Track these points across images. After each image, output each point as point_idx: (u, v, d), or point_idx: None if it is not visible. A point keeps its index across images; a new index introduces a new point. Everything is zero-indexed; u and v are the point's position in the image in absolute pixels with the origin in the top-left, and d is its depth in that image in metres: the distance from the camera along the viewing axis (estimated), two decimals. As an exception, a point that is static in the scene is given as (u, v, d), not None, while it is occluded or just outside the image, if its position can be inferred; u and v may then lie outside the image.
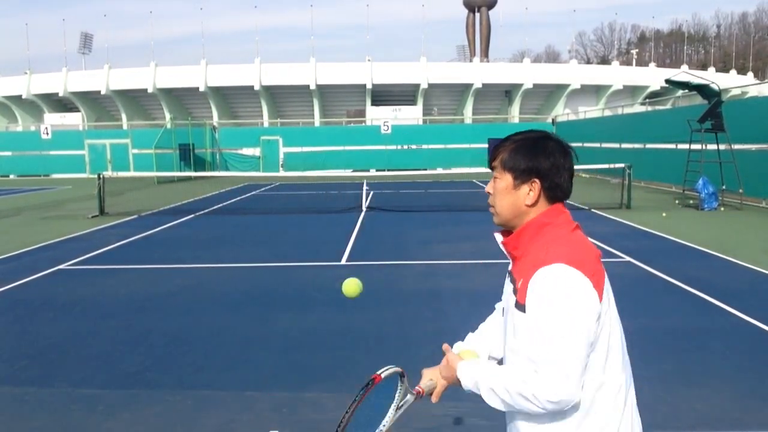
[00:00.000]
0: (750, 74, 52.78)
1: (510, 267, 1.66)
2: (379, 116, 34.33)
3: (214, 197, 18.40)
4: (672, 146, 18.03)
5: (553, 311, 1.41)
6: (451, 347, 1.81)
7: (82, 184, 24.78)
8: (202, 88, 37.80)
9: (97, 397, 3.98)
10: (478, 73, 38.80)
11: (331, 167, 29.43)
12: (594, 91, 40.87)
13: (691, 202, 14.12)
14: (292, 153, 31.08)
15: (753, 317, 5.44)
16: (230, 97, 40.74)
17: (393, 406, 1.71)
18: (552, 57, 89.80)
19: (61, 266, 8.28)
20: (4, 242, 10.34)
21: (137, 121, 38.30)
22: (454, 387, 1.69)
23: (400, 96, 39.71)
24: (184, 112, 38.73)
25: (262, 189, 21.59)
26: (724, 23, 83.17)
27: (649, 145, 20.20)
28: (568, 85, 39.17)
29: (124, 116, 39.39)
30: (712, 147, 13.85)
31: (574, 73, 39.88)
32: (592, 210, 13.62)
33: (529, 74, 39.05)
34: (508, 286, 1.66)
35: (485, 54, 52.54)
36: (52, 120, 36.12)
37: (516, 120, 38.22)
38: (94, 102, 40.88)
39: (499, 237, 1.66)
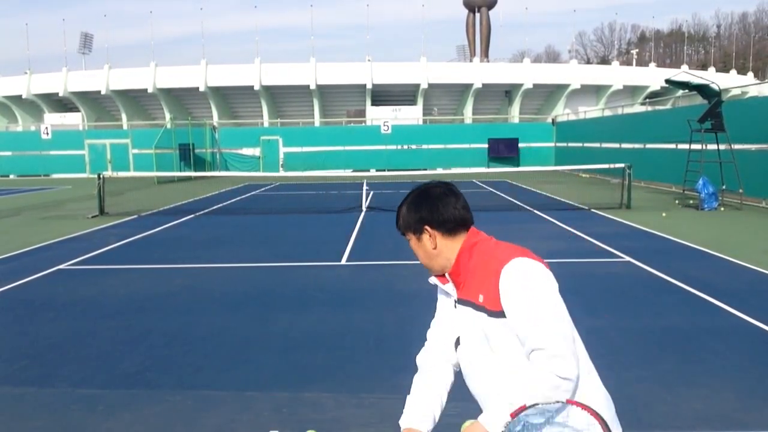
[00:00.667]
0: (750, 74, 52.79)
1: (454, 298, 1.78)
2: (379, 116, 34.33)
3: (214, 197, 18.40)
4: (672, 146, 18.03)
5: (533, 296, 1.56)
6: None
7: (82, 184, 24.78)
8: (202, 88, 37.80)
9: (97, 397, 3.98)
10: (478, 73, 38.80)
11: (331, 167, 29.45)
12: (594, 91, 40.87)
13: (691, 202, 14.12)
14: (292, 153, 31.09)
15: (753, 317, 5.44)
16: (230, 97, 40.75)
17: None
18: (552, 57, 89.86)
19: (61, 266, 8.28)
20: (4, 242, 10.34)
21: (137, 121, 38.31)
22: None
23: (400, 96, 39.72)
24: (184, 112, 38.73)
25: (262, 189, 21.59)
26: (724, 23, 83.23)
27: (649, 145, 20.20)
28: (568, 85, 39.17)
29: (124, 116, 39.40)
30: (712, 147, 13.85)
31: (574, 73, 39.88)
32: (592, 210, 13.62)
33: (529, 74, 39.05)
34: (461, 315, 1.74)
35: (485, 54, 52.54)
36: (52, 120, 36.13)
37: (516, 120, 38.24)
38: (94, 102, 40.88)
39: (432, 279, 1.86)
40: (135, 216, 13.70)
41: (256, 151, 31.25)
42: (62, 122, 36.03)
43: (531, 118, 38.93)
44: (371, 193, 18.67)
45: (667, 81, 15.09)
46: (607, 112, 30.27)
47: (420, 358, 1.94)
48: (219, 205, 15.97)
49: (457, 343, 1.78)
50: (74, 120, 37.15)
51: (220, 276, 7.71)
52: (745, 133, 14.11)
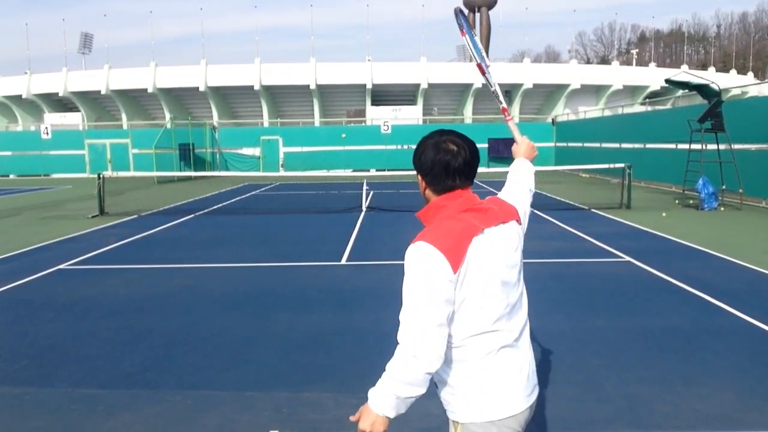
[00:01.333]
0: (750, 74, 52.77)
1: None
2: (379, 116, 34.33)
3: (214, 197, 18.40)
4: (672, 146, 18.03)
5: (410, 281, 1.75)
6: None
7: (82, 184, 24.78)
8: (202, 88, 37.79)
9: (97, 397, 3.98)
10: (478, 73, 38.72)
11: (331, 167, 29.44)
12: (594, 91, 40.87)
13: (691, 202, 14.12)
14: (292, 153, 31.09)
15: (753, 317, 5.44)
16: (230, 97, 40.74)
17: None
18: (552, 57, 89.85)
19: (61, 266, 8.29)
20: (4, 242, 10.34)
21: (137, 121, 38.30)
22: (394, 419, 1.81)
23: (400, 96, 39.71)
24: (184, 112, 38.73)
25: (262, 189, 21.59)
26: (724, 23, 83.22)
27: (649, 145, 20.20)
28: (568, 85, 39.16)
29: (124, 116, 39.38)
30: (712, 147, 13.85)
31: (574, 73, 39.86)
32: (592, 210, 13.62)
33: (529, 74, 39.03)
34: None
35: (485, 54, 52.48)
36: (52, 120, 36.12)
37: (516, 120, 38.22)
38: (94, 102, 40.87)
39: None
40: (135, 216, 13.71)
41: (256, 151, 31.25)
42: (62, 122, 36.02)
43: (531, 118, 38.92)
44: (371, 193, 18.67)
45: (667, 81, 15.09)
46: (607, 112, 30.26)
47: None
48: (219, 205, 15.97)
49: None
50: (74, 120, 37.14)
51: (220, 276, 7.71)
52: (745, 133, 14.11)
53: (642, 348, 4.77)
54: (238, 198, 18.18)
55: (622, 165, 14.51)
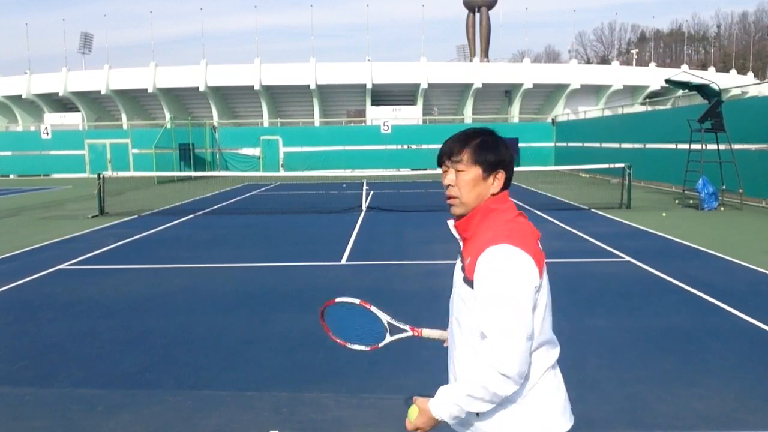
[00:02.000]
0: (750, 74, 52.75)
1: (461, 248, 1.81)
2: (379, 116, 34.31)
3: (214, 197, 18.40)
4: (672, 146, 18.03)
5: (500, 286, 1.57)
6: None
7: (82, 184, 24.78)
8: (202, 88, 37.78)
9: (97, 397, 3.98)
10: (478, 73, 38.78)
11: (331, 167, 29.43)
12: (594, 91, 40.85)
13: (691, 202, 14.12)
14: (292, 153, 31.09)
15: (753, 317, 5.44)
16: (230, 97, 40.73)
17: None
18: (552, 57, 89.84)
19: (61, 266, 8.28)
20: (4, 242, 10.34)
21: (137, 121, 38.29)
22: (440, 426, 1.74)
23: (400, 96, 39.70)
24: (184, 112, 38.72)
25: (262, 189, 21.59)
26: (724, 23, 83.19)
27: (649, 145, 20.20)
28: (568, 85, 39.15)
29: (124, 116, 39.37)
30: (712, 147, 13.85)
31: (574, 73, 39.85)
32: (592, 210, 13.62)
33: (529, 74, 39.02)
34: (458, 264, 1.82)
35: (485, 54, 52.51)
36: (52, 120, 36.09)
37: (516, 120, 38.24)
38: (94, 102, 40.86)
39: (451, 222, 1.83)
40: (135, 216, 13.70)
41: (256, 151, 31.24)
42: (62, 122, 36.00)
43: (531, 118, 38.91)
44: (371, 193, 18.67)
45: (667, 81, 15.09)
46: (607, 112, 30.26)
47: None
48: (219, 205, 15.97)
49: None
50: (74, 120, 37.11)
51: (221, 276, 7.71)
52: (745, 133, 14.11)
53: (642, 348, 4.77)
54: (238, 198, 18.18)
55: (622, 165, 14.51)
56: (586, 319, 5.50)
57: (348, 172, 26.29)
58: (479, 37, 53.71)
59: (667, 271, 7.30)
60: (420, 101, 38.67)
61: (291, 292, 6.72)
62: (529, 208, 14.12)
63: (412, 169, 27.47)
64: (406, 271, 7.78)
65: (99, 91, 38.70)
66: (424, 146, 30.90)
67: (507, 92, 40.58)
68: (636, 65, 50.97)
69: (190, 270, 8.03)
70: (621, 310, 5.81)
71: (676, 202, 14.93)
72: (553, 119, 33.02)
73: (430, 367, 4.21)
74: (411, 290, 6.73)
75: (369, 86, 37.82)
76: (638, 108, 29.32)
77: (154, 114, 41.10)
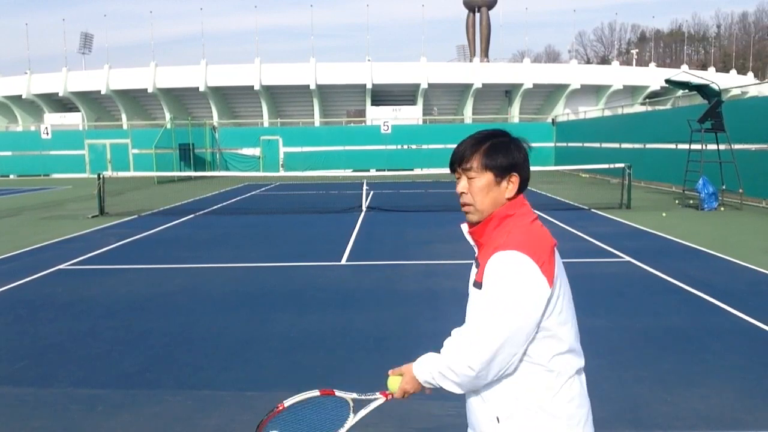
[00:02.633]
0: (750, 74, 52.75)
1: (476, 254, 1.80)
2: (379, 116, 34.32)
3: (214, 197, 18.40)
4: (672, 146, 18.03)
5: (502, 290, 1.56)
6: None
7: (82, 184, 24.78)
8: (202, 88, 37.79)
9: (97, 397, 3.98)
10: (478, 73, 38.78)
11: (331, 167, 29.44)
12: (594, 91, 40.86)
13: (691, 202, 14.12)
14: (292, 153, 31.08)
15: (753, 317, 5.44)
16: (230, 97, 40.73)
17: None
18: (552, 57, 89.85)
19: (61, 266, 8.28)
20: (4, 242, 10.34)
21: (137, 121, 38.29)
22: (422, 394, 1.82)
23: (400, 96, 39.70)
24: (184, 112, 38.72)
25: (262, 189, 21.59)
26: (724, 23, 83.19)
27: (649, 145, 20.20)
28: (568, 85, 39.15)
29: (124, 116, 39.38)
30: (712, 147, 13.85)
31: (574, 73, 39.85)
32: (592, 210, 13.62)
33: (529, 74, 39.02)
34: (473, 271, 1.80)
35: (485, 54, 52.51)
36: (52, 120, 36.10)
37: (516, 120, 38.23)
38: (94, 102, 40.86)
39: (465, 228, 1.80)
40: (135, 216, 13.70)
41: (256, 151, 31.24)
42: (62, 122, 36.00)
43: (531, 118, 38.91)
44: (371, 193, 18.67)
45: (667, 81, 15.09)
46: (607, 112, 30.25)
47: None
48: (219, 205, 15.97)
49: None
50: (74, 120, 37.11)
51: (221, 276, 7.71)
52: (745, 133, 14.11)
53: (642, 348, 4.77)
54: (238, 198, 18.18)
55: (622, 165, 14.51)
56: (585, 319, 5.49)
57: (348, 173, 26.32)
58: (479, 37, 53.71)
59: (667, 271, 7.30)
60: (420, 101, 38.66)
61: (291, 292, 6.72)
62: (529, 208, 14.11)
63: (412, 169, 27.49)
64: (406, 271, 7.78)
65: (99, 91, 38.71)
66: (424, 146, 30.90)
67: (507, 92, 40.58)
68: (636, 65, 50.98)
69: (190, 270, 8.03)
70: (621, 310, 5.81)
71: (676, 202, 14.93)
72: (553, 119, 33.02)
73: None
74: (411, 290, 6.73)
75: (369, 86, 37.82)
76: (638, 108, 29.31)
77: (154, 114, 41.10)
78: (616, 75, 41.17)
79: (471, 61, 46.08)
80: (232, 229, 11.81)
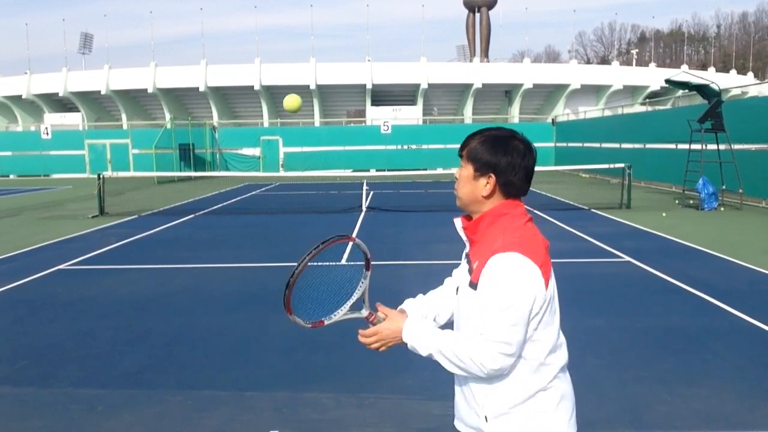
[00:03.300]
0: (750, 74, 52.77)
1: (467, 250, 1.81)
2: (379, 116, 34.32)
3: (214, 197, 18.40)
4: (672, 146, 18.03)
5: (502, 293, 1.57)
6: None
7: (82, 184, 24.78)
8: (202, 88, 37.79)
9: (97, 397, 3.98)
10: (478, 73, 38.79)
11: (331, 167, 29.44)
12: (594, 91, 40.86)
13: (691, 202, 14.12)
14: (292, 153, 31.08)
15: (753, 317, 5.44)
16: (230, 97, 40.74)
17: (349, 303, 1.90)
18: (552, 57, 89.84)
19: (61, 266, 8.28)
20: (4, 242, 10.34)
21: (137, 121, 38.29)
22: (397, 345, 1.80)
23: (400, 96, 39.71)
24: (184, 112, 38.73)
25: (262, 189, 21.59)
26: (724, 23, 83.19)
27: (649, 145, 20.20)
28: (568, 85, 39.15)
29: (124, 116, 39.39)
30: (712, 147, 13.85)
31: (574, 73, 39.86)
32: (592, 210, 13.62)
33: (529, 74, 39.03)
34: (463, 267, 1.81)
35: (485, 54, 52.51)
36: (52, 120, 36.10)
37: (516, 120, 38.23)
38: (94, 102, 40.87)
39: (458, 222, 1.81)
40: (135, 216, 13.70)
41: (256, 151, 31.24)
42: (62, 122, 36.01)
43: (531, 118, 38.91)
44: (371, 193, 18.67)
45: (667, 81, 15.09)
46: (607, 112, 30.26)
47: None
48: (219, 205, 15.97)
49: (457, 291, 1.85)
50: (74, 120, 37.12)
51: (221, 276, 7.71)
52: (745, 133, 14.11)
53: (642, 348, 4.77)
54: (238, 198, 18.18)
55: (622, 165, 14.51)
56: (586, 319, 5.50)
57: (348, 173, 26.31)
58: (479, 37, 53.71)
59: (667, 271, 7.30)
60: (420, 101, 38.67)
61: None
62: (529, 208, 14.06)
63: (412, 170, 27.48)
64: (406, 271, 7.78)
65: (99, 91, 38.72)
66: (424, 146, 30.90)
67: (507, 92, 40.58)
68: (636, 65, 50.99)
69: (190, 270, 8.03)
70: (621, 310, 5.81)
71: (676, 202, 14.93)
72: (553, 119, 33.02)
73: (430, 366, 4.20)
74: (411, 290, 6.71)
75: (369, 86, 37.82)
76: (638, 108, 29.32)
77: (154, 114, 41.11)
78: (616, 75, 41.18)
79: (471, 61, 46.09)
80: (232, 229, 11.81)
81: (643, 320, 5.47)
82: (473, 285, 1.67)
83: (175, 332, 5.38)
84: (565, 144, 29.59)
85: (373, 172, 29.28)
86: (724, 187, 13.57)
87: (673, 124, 17.75)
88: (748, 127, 14.09)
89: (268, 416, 3.68)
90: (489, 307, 1.59)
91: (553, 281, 1.71)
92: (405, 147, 31.06)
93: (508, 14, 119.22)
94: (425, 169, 26.57)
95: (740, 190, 13.33)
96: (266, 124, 37.86)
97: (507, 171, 1.69)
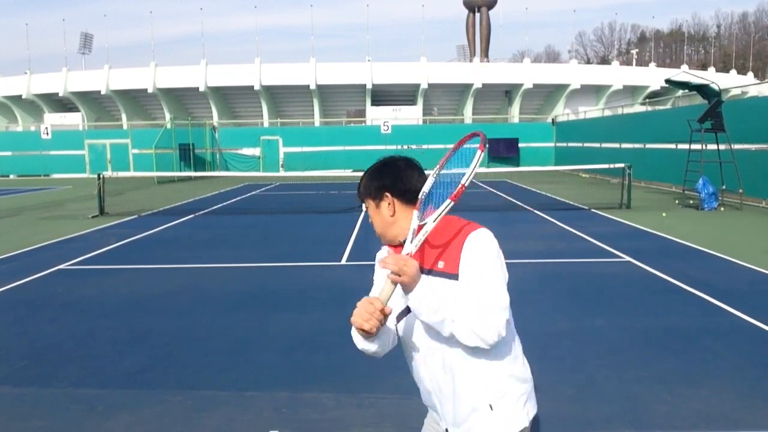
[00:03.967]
0: (750, 74, 52.76)
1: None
2: (379, 116, 34.32)
3: (214, 197, 18.40)
4: (672, 146, 18.03)
5: (493, 263, 1.67)
6: None
7: (82, 184, 24.78)
8: (202, 88, 37.79)
9: (97, 397, 3.98)
10: (478, 73, 38.79)
11: (331, 167, 29.44)
12: (594, 91, 40.86)
13: (691, 202, 14.12)
14: (292, 153, 31.08)
15: (753, 317, 5.44)
16: (230, 97, 40.74)
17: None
18: (552, 57, 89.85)
19: (61, 266, 8.28)
20: (4, 242, 10.34)
21: (137, 121, 38.29)
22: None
23: (400, 96, 39.70)
24: (184, 112, 38.73)
25: (262, 189, 21.58)
26: (724, 23, 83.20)
27: (649, 145, 20.20)
28: (568, 85, 39.15)
29: (124, 116, 39.38)
30: (712, 147, 13.85)
31: (574, 73, 39.85)
32: (592, 210, 13.62)
33: (529, 74, 39.02)
34: (398, 292, 1.71)
35: (485, 54, 52.52)
36: (52, 120, 36.11)
37: (516, 120, 38.23)
38: (94, 102, 40.86)
39: (384, 251, 1.92)
40: (135, 216, 13.70)
41: (256, 151, 31.24)
42: (62, 122, 36.01)
43: (531, 118, 38.91)
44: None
45: (667, 81, 15.09)
46: (607, 112, 30.26)
47: None
48: (219, 205, 15.97)
49: (403, 314, 1.84)
50: (74, 120, 37.12)
51: (220, 276, 7.71)
52: (745, 133, 14.11)
53: (642, 348, 4.76)
54: (238, 198, 18.18)
55: (622, 165, 14.51)
56: (586, 319, 5.50)
57: (348, 173, 26.29)
58: (479, 37, 53.72)
59: (667, 271, 7.30)
60: (420, 101, 38.67)
61: (291, 293, 6.72)
62: (529, 208, 14.12)
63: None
64: (406, 271, 7.77)
65: (99, 91, 38.71)
66: (424, 146, 30.89)
67: (507, 92, 40.58)
68: (636, 65, 50.98)
69: (190, 270, 8.03)
70: (621, 310, 5.81)
71: (676, 202, 14.93)
72: (553, 119, 33.02)
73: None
74: (411, 290, 6.72)
75: (369, 86, 37.82)
76: (638, 108, 29.32)
77: (154, 114, 41.11)
78: (616, 75, 41.17)
79: (471, 61, 46.09)
80: (232, 229, 11.81)
81: (643, 320, 5.47)
82: (453, 275, 1.68)
83: (175, 332, 5.38)
84: (565, 144, 29.59)
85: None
86: (724, 187, 13.57)
87: (673, 124, 17.75)
88: (748, 127, 14.09)
89: (268, 416, 3.68)
90: (485, 280, 1.64)
91: None
92: (405, 147, 31.05)
93: (508, 14, 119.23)
94: (425, 169, 26.52)
95: (740, 190, 13.33)
96: (266, 124, 37.86)
97: (396, 183, 1.81)
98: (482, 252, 1.68)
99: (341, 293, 6.64)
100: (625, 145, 22.02)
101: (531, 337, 5.03)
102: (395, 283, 1.64)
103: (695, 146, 14.13)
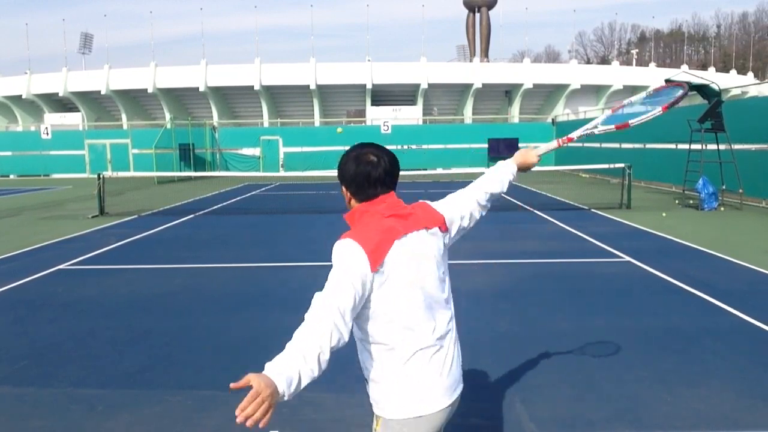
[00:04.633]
0: (750, 74, 52.77)
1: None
2: (379, 116, 34.32)
3: (214, 197, 18.40)
4: (672, 146, 18.03)
5: (334, 269, 1.88)
6: None
7: (82, 184, 24.78)
8: (202, 88, 37.80)
9: (97, 397, 3.98)
10: (478, 73, 38.79)
11: (331, 167, 29.42)
12: (594, 91, 40.88)
13: (691, 202, 14.12)
14: (292, 153, 31.09)
15: (753, 317, 5.44)
16: (230, 97, 40.74)
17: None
18: (552, 57, 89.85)
19: (61, 266, 8.28)
20: (4, 242, 10.34)
21: (137, 121, 38.30)
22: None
23: (400, 96, 39.70)
24: (184, 112, 38.73)
25: (262, 189, 21.58)
26: (724, 23, 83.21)
27: (649, 145, 20.20)
28: (568, 85, 39.16)
29: (124, 116, 39.39)
30: (712, 147, 13.85)
31: (574, 73, 39.87)
32: (592, 210, 13.62)
33: (529, 74, 39.03)
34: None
35: (485, 54, 52.51)
36: (52, 120, 36.10)
37: (516, 120, 38.23)
38: (94, 102, 40.87)
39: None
40: (135, 216, 13.70)
41: (256, 151, 31.25)
42: (62, 122, 35.99)
43: (531, 118, 38.92)
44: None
45: (667, 81, 15.06)
46: (608, 112, 30.21)
47: None
48: (219, 205, 15.97)
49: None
50: (74, 120, 37.11)
51: (221, 276, 7.71)
52: (745, 133, 14.11)
53: (642, 348, 4.77)
54: (238, 198, 18.18)
55: (622, 165, 14.51)
56: (586, 319, 5.50)
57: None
58: (479, 37, 53.70)
59: (667, 271, 7.30)
60: (420, 101, 38.67)
61: (291, 293, 6.72)
62: (529, 208, 14.12)
63: (412, 170, 27.48)
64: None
65: (99, 91, 38.72)
66: (424, 146, 30.91)
67: (507, 92, 40.59)
68: (636, 65, 51.00)
69: (190, 270, 8.03)
70: (621, 310, 5.81)
71: (676, 202, 14.93)
72: (553, 119, 33.02)
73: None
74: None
75: (369, 86, 37.83)
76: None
77: (154, 114, 41.11)
78: (616, 75, 41.20)
79: (471, 61, 46.08)
80: (232, 229, 11.81)
81: (643, 320, 5.47)
82: (442, 232, 2.13)
83: (175, 332, 5.38)
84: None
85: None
86: (724, 187, 13.57)
87: (673, 124, 17.71)
88: (748, 127, 14.08)
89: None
90: (328, 279, 1.96)
91: (401, 270, 1.89)
92: (405, 147, 31.06)
93: (508, 14, 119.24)
94: (425, 169, 26.60)
95: (740, 190, 13.33)
96: (266, 124, 37.87)
97: (348, 179, 2.00)
98: (333, 259, 1.93)
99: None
100: (625, 145, 22.02)
101: (531, 338, 5.03)
102: None
103: (695, 146, 14.12)
